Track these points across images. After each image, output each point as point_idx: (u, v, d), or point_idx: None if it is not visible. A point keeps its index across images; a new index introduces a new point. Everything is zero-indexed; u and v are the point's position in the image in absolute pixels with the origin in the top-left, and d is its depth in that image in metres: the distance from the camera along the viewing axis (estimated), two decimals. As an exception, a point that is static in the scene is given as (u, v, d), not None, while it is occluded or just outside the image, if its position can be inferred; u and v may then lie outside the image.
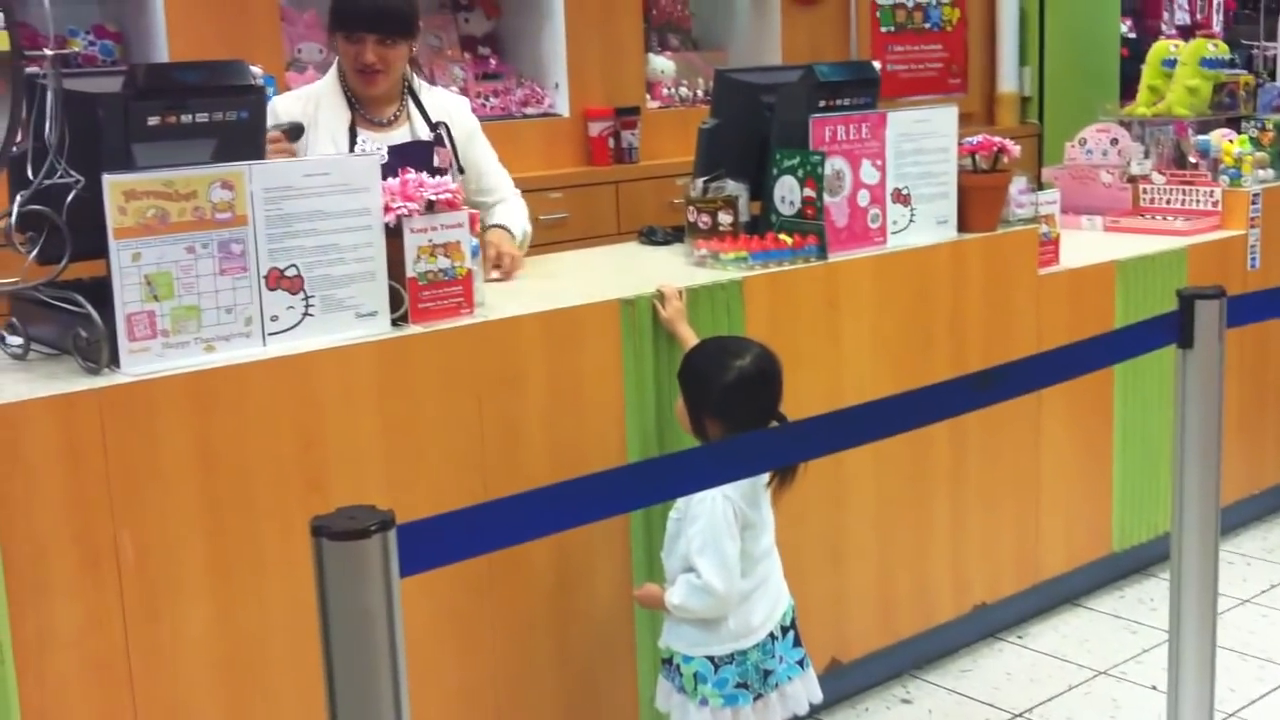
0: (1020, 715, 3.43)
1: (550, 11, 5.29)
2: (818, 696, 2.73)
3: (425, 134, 3.40)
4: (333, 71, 3.41)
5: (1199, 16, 7.75)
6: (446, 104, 3.52)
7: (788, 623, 2.71)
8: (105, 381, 2.30)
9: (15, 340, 2.49)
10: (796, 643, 2.72)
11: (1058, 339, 3.57)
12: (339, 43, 3.33)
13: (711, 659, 2.63)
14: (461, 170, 3.40)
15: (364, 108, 3.38)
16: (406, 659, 1.59)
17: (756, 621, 2.65)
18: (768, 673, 2.65)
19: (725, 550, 2.58)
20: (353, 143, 3.33)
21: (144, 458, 2.31)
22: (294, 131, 3.20)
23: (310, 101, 3.35)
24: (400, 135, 3.39)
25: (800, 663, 2.71)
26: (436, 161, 3.30)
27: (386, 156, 3.12)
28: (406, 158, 3.10)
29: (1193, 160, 4.62)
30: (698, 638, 2.64)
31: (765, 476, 2.64)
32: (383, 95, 3.39)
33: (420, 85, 3.49)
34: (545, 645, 2.84)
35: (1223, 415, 2.56)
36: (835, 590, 3.35)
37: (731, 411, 2.62)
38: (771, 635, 2.66)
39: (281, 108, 3.31)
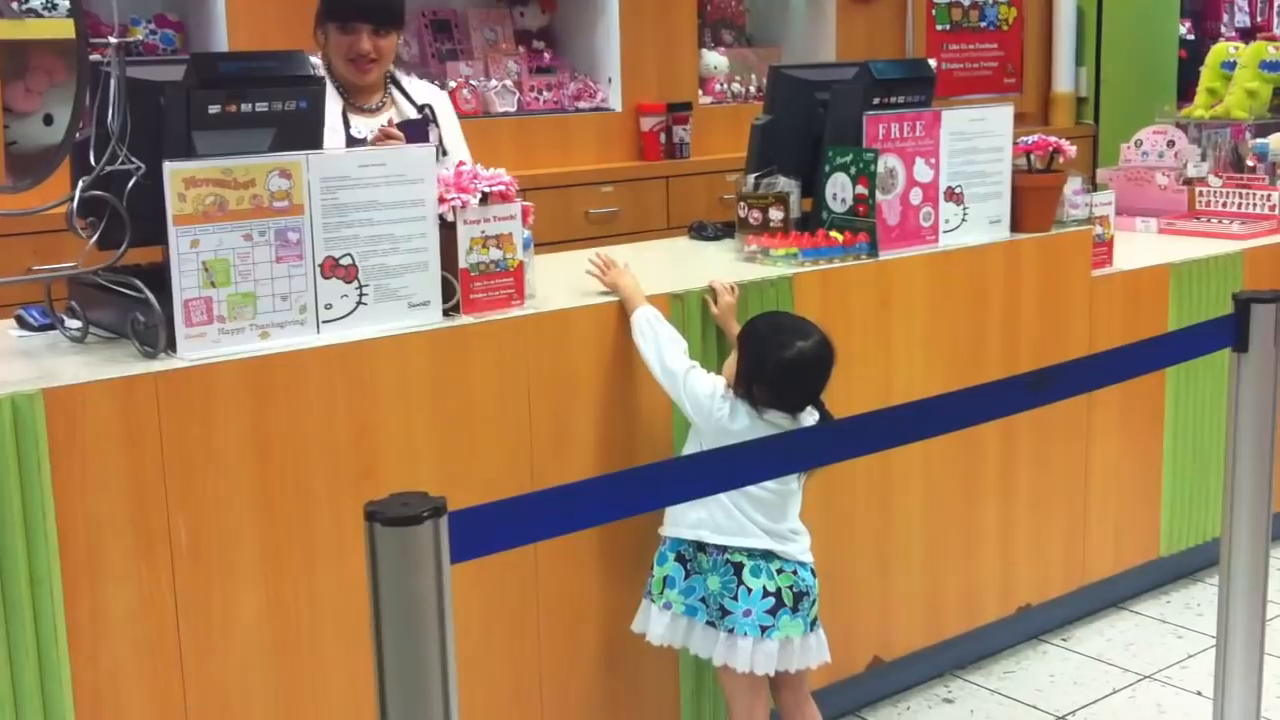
0: (1063, 718, 3.41)
1: (605, 7, 5.31)
2: (764, 667, 2.70)
3: (413, 116, 3.50)
4: (318, 60, 3.46)
5: (1259, 19, 7.66)
6: (428, 92, 3.65)
7: (772, 586, 2.70)
8: (162, 366, 2.33)
9: (74, 323, 2.53)
10: (774, 611, 2.69)
11: (1111, 341, 3.54)
12: (331, 32, 3.43)
13: (683, 562, 2.75)
14: (445, 153, 3.47)
15: (352, 95, 3.47)
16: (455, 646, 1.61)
17: (692, 518, 2.72)
18: (724, 611, 2.70)
19: (694, 385, 2.70)
20: (347, 128, 3.41)
21: (199, 442, 2.34)
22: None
23: None
24: (388, 120, 3.49)
25: (764, 630, 2.70)
26: (432, 139, 3.42)
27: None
28: (408, 133, 3.34)
29: (1250, 164, 4.58)
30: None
31: None
32: (370, 84, 3.49)
33: (399, 75, 3.61)
34: (591, 636, 2.86)
35: (1276, 420, 2.53)
36: (880, 589, 3.34)
37: (780, 386, 2.68)
38: (737, 572, 2.69)
39: None
